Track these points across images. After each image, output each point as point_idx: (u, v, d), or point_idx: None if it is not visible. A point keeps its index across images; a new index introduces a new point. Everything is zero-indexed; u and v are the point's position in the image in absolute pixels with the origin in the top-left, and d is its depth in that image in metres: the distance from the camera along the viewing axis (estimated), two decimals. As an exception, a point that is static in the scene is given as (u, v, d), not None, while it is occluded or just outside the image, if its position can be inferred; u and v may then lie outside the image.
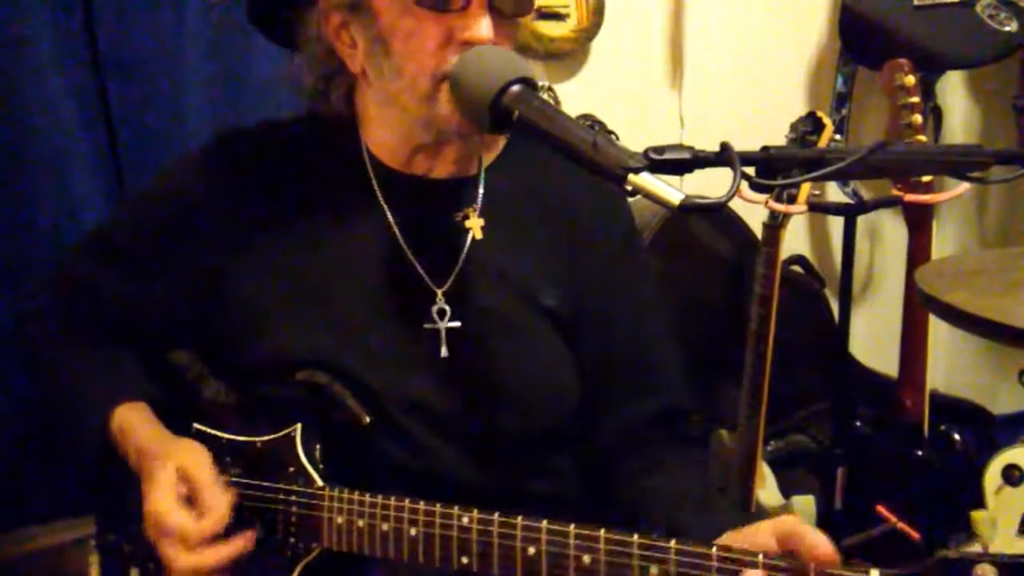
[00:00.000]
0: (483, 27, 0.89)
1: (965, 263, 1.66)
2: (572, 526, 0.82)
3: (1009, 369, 2.55)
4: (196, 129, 1.70)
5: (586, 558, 0.80)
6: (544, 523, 0.83)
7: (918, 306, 1.82)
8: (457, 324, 1.01)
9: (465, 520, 0.86)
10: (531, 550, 0.83)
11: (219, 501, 0.94)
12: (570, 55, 2.16)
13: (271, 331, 1.01)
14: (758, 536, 0.79)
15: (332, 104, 1.03)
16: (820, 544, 0.74)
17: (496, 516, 0.85)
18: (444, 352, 1.00)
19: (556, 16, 2.07)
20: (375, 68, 0.96)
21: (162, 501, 0.93)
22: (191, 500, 0.95)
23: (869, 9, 2.17)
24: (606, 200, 1.11)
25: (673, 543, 0.77)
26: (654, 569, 0.77)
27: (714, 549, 0.76)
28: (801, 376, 2.16)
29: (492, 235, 1.04)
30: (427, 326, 1.00)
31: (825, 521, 1.95)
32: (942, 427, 1.99)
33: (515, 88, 0.81)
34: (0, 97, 1.55)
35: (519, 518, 0.84)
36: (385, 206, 1.03)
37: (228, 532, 0.94)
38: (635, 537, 0.79)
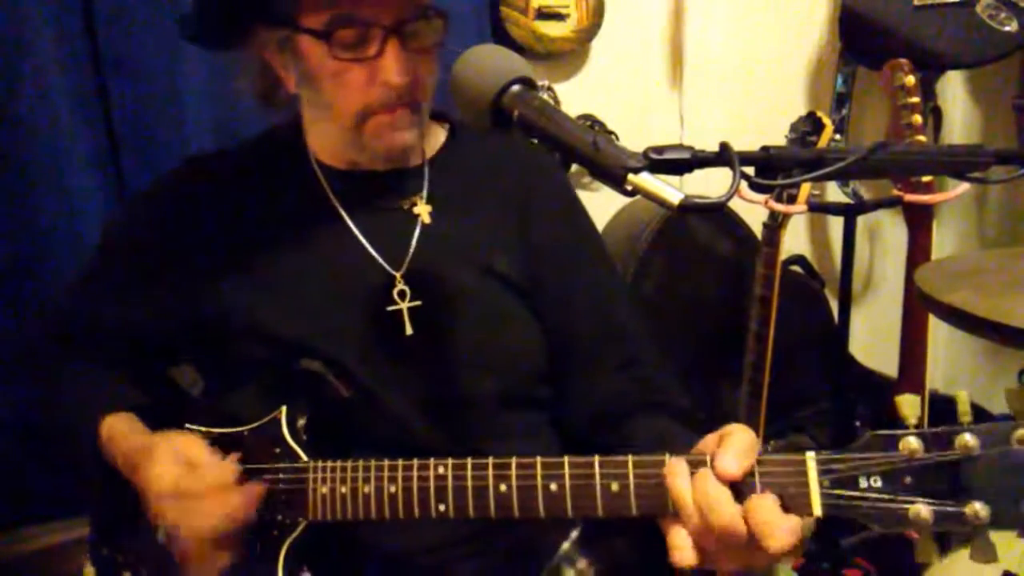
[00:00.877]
0: (394, 72, 0.97)
1: (965, 263, 1.65)
2: (538, 458, 0.84)
3: (1009, 369, 2.55)
4: (196, 129, 1.70)
5: (553, 486, 0.83)
6: (514, 459, 0.85)
7: (918, 306, 1.82)
8: (418, 303, 1.07)
9: (440, 469, 0.88)
10: (503, 487, 0.85)
11: (224, 462, 0.96)
12: (570, 55, 2.17)
13: (253, 335, 1.06)
14: (706, 444, 0.82)
15: (279, 112, 1.12)
16: (726, 453, 0.76)
17: (469, 460, 0.87)
18: (409, 330, 1.07)
19: (556, 16, 2.07)
20: (305, 96, 1.07)
21: (168, 472, 0.94)
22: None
23: (869, 9, 2.17)
24: (555, 188, 1.20)
25: (630, 458, 0.80)
26: (615, 485, 0.80)
27: (667, 455, 0.79)
28: (801, 376, 2.16)
29: (441, 216, 1.11)
30: (390, 308, 1.07)
31: (825, 521, 1.94)
32: (942, 427, 1.99)
33: (515, 88, 0.81)
34: (0, 97, 1.56)
35: (490, 458, 0.86)
36: (337, 203, 1.10)
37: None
38: (596, 458, 0.81)
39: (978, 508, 0.69)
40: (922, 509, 0.71)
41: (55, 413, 1.15)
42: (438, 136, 1.17)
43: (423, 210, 1.10)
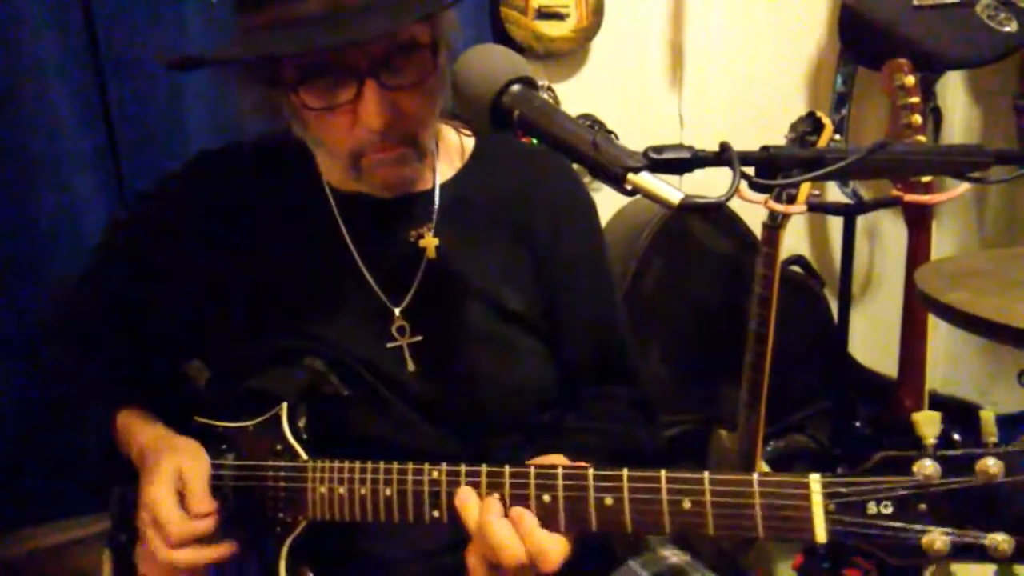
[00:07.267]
0: (374, 118, 0.89)
1: (965, 263, 1.66)
2: (532, 467, 0.84)
3: (1008, 369, 2.55)
4: (196, 129, 1.70)
5: (546, 497, 0.82)
6: (507, 468, 0.85)
7: (918, 306, 1.82)
8: (419, 338, 1.04)
9: (435, 474, 0.88)
10: (496, 496, 0.85)
11: (207, 508, 0.95)
12: (570, 55, 2.17)
13: (254, 338, 1.05)
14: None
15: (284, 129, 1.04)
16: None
17: (463, 467, 0.87)
18: (411, 367, 1.04)
19: (556, 16, 2.07)
20: (300, 132, 0.99)
21: (160, 492, 0.95)
22: (182, 500, 0.97)
23: (869, 9, 2.17)
24: (583, 228, 1.14)
25: (625, 472, 0.79)
26: (609, 499, 0.80)
27: (663, 472, 0.78)
28: (801, 376, 2.16)
29: (450, 249, 1.05)
30: (389, 345, 1.04)
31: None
32: (942, 427, 1.99)
33: (515, 87, 0.81)
34: (0, 97, 1.56)
35: (483, 466, 0.85)
36: (343, 227, 1.06)
37: (216, 538, 0.96)
38: (590, 470, 0.81)
39: (1000, 539, 0.65)
40: (937, 539, 0.66)
41: (63, 409, 1.14)
42: (459, 151, 1.11)
43: (430, 243, 1.05)
